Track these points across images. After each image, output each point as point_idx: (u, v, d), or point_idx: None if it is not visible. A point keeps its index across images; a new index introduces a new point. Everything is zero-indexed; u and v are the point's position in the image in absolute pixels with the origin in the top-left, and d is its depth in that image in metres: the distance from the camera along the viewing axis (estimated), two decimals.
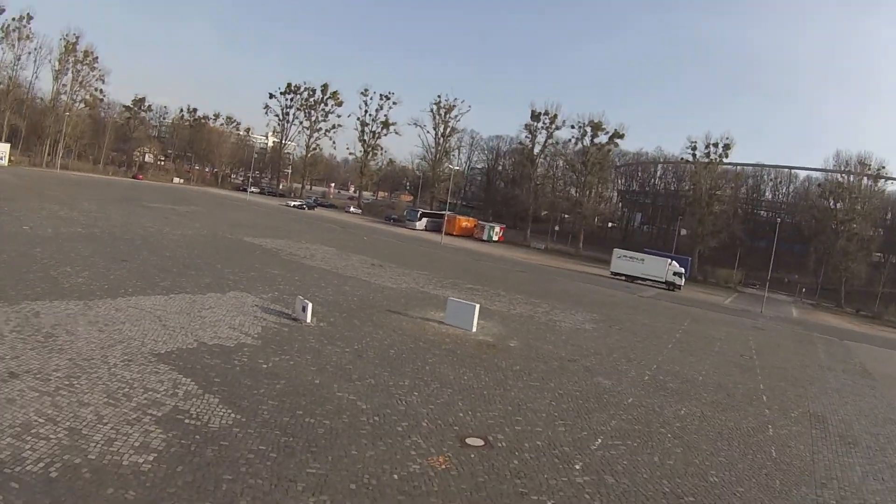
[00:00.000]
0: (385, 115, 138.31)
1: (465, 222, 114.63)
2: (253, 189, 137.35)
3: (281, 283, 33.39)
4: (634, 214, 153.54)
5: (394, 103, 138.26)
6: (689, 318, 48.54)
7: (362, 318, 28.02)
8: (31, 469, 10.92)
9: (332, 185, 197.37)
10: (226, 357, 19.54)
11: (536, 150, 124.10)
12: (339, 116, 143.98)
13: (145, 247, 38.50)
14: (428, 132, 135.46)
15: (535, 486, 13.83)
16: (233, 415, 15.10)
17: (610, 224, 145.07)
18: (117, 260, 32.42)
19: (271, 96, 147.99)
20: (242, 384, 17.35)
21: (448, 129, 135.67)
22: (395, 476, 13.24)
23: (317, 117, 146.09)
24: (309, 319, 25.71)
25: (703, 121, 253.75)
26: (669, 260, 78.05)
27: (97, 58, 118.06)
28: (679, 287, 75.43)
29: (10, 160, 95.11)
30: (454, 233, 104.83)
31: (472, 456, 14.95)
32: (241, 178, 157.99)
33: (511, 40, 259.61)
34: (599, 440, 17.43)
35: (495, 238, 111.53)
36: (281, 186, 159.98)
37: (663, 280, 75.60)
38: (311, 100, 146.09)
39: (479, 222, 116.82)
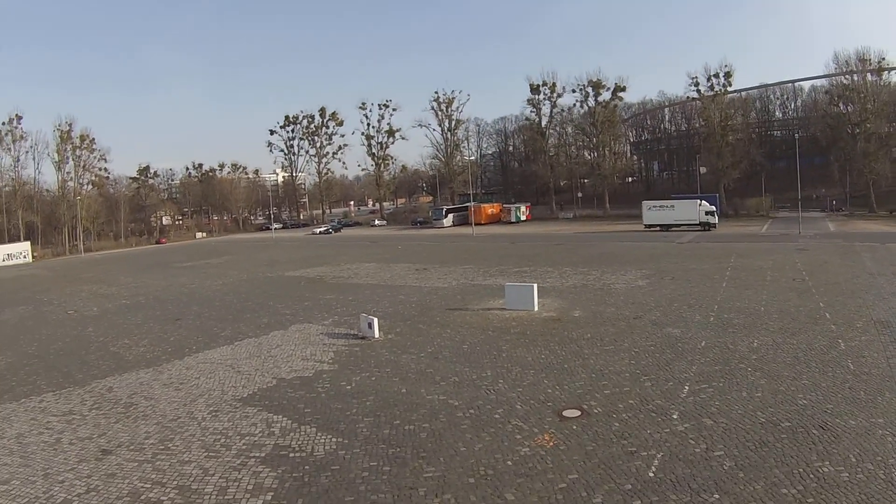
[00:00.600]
0: (388, 124, 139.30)
1: (491, 209, 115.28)
2: (275, 225, 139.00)
3: (337, 307, 34.47)
4: (651, 164, 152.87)
5: (394, 110, 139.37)
6: (734, 253, 48.75)
7: (427, 322, 28.98)
8: None
9: (352, 202, 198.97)
10: (308, 387, 20.36)
11: (544, 122, 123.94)
12: (342, 136, 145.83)
13: (193, 302, 39.80)
14: (434, 130, 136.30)
15: (641, 443, 14.55)
16: (334, 439, 15.79)
17: (630, 179, 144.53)
18: (171, 320, 33.68)
19: (272, 132, 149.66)
20: (333, 409, 18.12)
21: (453, 123, 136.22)
22: (509, 462, 13.97)
23: (321, 142, 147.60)
24: (377, 334, 26.55)
25: (697, 55, 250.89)
26: (699, 200, 77.89)
27: (94, 139, 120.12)
28: (714, 225, 75.32)
29: (33, 256, 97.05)
30: (482, 222, 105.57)
31: (574, 427, 15.75)
32: (262, 218, 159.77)
33: (489, 17, 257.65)
34: (687, 387, 18.12)
35: (523, 218, 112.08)
36: (301, 216, 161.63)
37: (697, 221, 75.50)
38: (312, 126, 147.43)
39: (504, 206, 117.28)
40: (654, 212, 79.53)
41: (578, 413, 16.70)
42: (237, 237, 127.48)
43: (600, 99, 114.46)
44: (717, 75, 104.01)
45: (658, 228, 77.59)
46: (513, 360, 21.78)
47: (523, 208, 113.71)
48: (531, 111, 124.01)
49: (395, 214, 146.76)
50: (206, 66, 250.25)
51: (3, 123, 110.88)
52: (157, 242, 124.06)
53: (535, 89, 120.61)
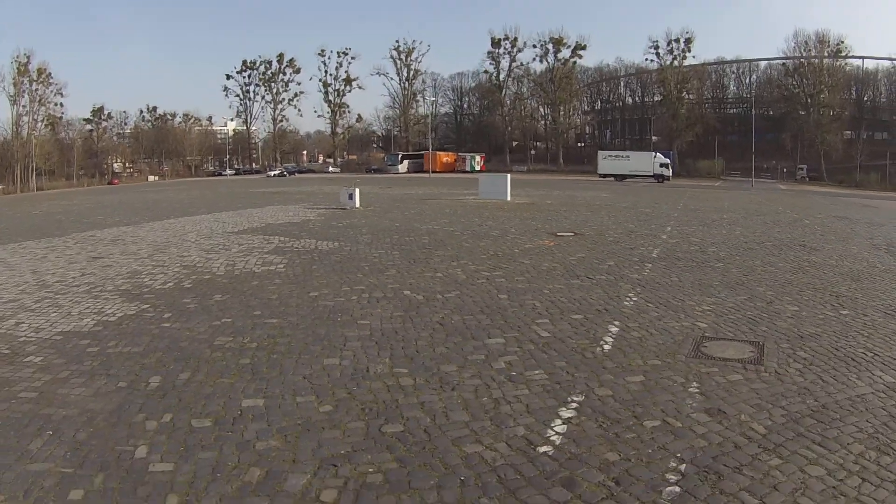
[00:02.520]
0: (346, 72, 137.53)
1: (446, 157, 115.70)
2: (228, 171, 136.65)
3: (310, 199, 34.67)
4: (604, 131, 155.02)
5: (352, 58, 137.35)
6: (687, 195, 50.32)
7: (404, 205, 29.51)
8: (161, 288, 11.00)
9: (304, 152, 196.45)
10: (299, 226, 20.56)
11: (502, 76, 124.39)
12: (299, 84, 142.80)
13: (164, 202, 39.10)
14: (392, 79, 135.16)
15: (636, 244, 15.81)
16: (336, 244, 16.19)
17: (581, 144, 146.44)
18: (142, 209, 33.05)
19: (228, 77, 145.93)
20: (329, 233, 18.42)
21: (412, 73, 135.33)
22: (517, 250, 14.86)
23: (277, 89, 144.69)
24: (357, 204, 26.85)
25: (657, 26, 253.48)
26: (654, 153, 79.84)
27: (50, 73, 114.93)
28: (668, 178, 77.46)
29: None
30: (437, 169, 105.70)
31: (570, 238, 16.73)
32: (214, 166, 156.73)
33: None
34: (669, 227, 19.42)
35: (477, 168, 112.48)
36: (254, 165, 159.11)
37: (651, 173, 77.48)
38: (269, 72, 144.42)
39: (460, 155, 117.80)
40: (609, 161, 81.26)
41: (572, 234, 17.58)
42: (190, 180, 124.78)
43: (560, 56, 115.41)
44: (677, 40, 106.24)
45: (612, 178, 79.23)
46: (497, 217, 22.57)
47: (478, 158, 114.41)
48: (490, 64, 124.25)
49: (348, 164, 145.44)
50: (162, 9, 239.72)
51: None
52: (110, 183, 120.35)
53: (496, 43, 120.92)
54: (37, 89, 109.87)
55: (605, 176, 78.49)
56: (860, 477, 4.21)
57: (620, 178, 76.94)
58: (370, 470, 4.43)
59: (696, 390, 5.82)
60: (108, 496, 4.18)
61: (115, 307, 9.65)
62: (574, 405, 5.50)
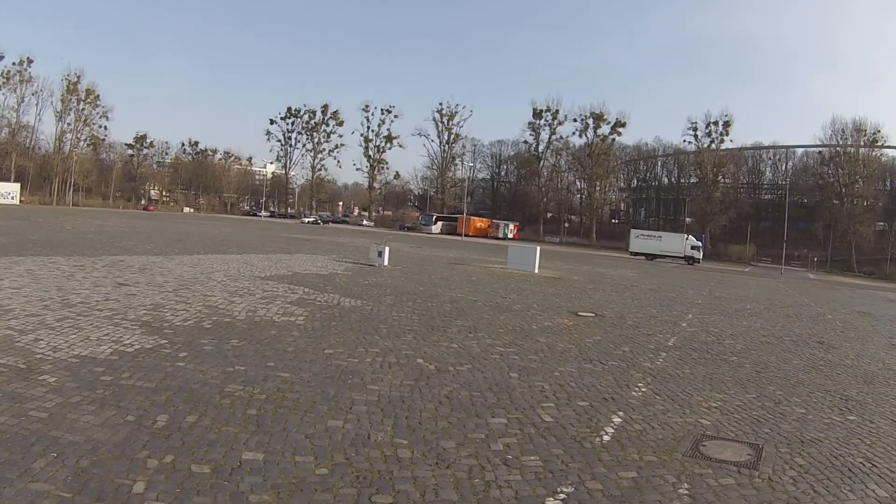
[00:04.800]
0: (388, 129, 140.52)
1: (480, 223, 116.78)
2: (263, 213, 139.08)
3: (340, 251, 35.25)
4: (639, 209, 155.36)
5: (395, 116, 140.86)
6: (714, 281, 50.23)
7: (431, 268, 29.87)
8: (181, 325, 11.31)
9: (340, 203, 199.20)
10: (325, 279, 21.01)
11: (541, 147, 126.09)
12: (340, 136, 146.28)
13: (200, 236, 40.06)
14: (432, 141, 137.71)
15: (654, 331, 15.87)
16: (359, 302, 16.50)
17: (615, 220, 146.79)
18: (173, 241, 33.97)
19: (272, 122, 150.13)
20: (353, 290, 18.79)
21: (452, 136, 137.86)
22: (535, 326, 15.02)
23: (319, 139, 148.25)
24: (386, 262, 27.32)
25: (698, 112, 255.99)
26: (686, 235, 79.73)
27: (98, 95, 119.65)
28: (698, 261, 77.06)
29: (20, 200, 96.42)
30: (470, 233, 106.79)
31: (590, 319, 16.86)
32: (249, 206, 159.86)
33: (506, 44, 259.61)
34: (690, 315, 19.28)
35: (510, 235, 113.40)
36: (289, 210, 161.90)
37: (682, 255, 77.20)
38: (312, 122, 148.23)
39: (493, 221, 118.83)
40: (641, 240, 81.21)
41: (593, 314, 17.72)
42: (224, 216, 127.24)
43: (599, 132, 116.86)
44: (716, 122, 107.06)
45: (643, 257, 79.02)
46: (521, 290, 22.81)
47: (512, 226, 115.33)
48: (530, 134, 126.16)
49: (382, 219, 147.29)
50: (210, 52, 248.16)
51: (14, 64, 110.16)
52: (145, 209, 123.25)
53: (537, 114, 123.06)
54: (83, 108, 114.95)
55: (635, 254, 78.37)
56: None
57: (651, 257, 76.80)
58: None
59: (686, 492, 5.92)
60: None
61: (133, 338, 10.05)
62: (562, 496, 5.63)
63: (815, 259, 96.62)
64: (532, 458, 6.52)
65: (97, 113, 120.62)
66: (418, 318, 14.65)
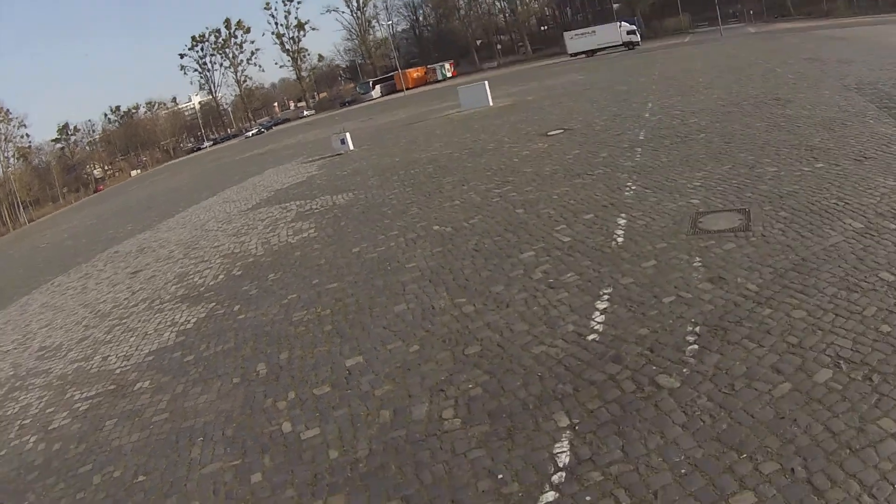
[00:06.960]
0: (296, 18, 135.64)
1: (416, 73, 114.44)
2: (206, 143, 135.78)
3: (301, 151, 35.36)
4: (565, 10, 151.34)
5: (299, 2, 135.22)
6: (659, 61, 50.32)
7: (393, 135, 30.53)
8: (214, 283, 11.80)
9: (275, 104, 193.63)
10: (307, 185, 21.20)
11: None
12: (253, 42, 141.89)
13: (161, 191, 39.54)
14: (343, 12, 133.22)
15: (626, 128, 16.64)
16: (351, 194, 17.11)
17: (543, 28, 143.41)
18: (143, 209, 33.51)
19: (182, 56, 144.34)
20: (339, 185, 19.20)
21: (361, 2, 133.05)
22: (515, 159, 15.97)
23: (233, 53, 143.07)
24: (351, 147, 27.55)
25: None
26: (619, 23, 78.93)
27: (8, 110, 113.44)
28: (637, 44, 76.69)
29: None
30: (410, 86, 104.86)
31: (561, 135, 17.78)
32: (191, 143, 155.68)
33: None
34: (650, 104, 20.17)
35: (449, 75, 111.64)
36: (229, 131, 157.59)
37: (620, 42, 76.84)
38: (220, 40, 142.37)
39: (429, 67, 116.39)
40: (576, 40, 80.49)
41: (561, 131, 18.67)
42: (171, 163, 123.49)
43: None
44: None
45: (584, 56, 78.62)
46: (486, 127, 23.40)
47: (447, 66, 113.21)
48: None
49: (320, 104, 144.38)
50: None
51: None
52: (95, 191, 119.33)
53: None
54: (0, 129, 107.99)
55: (576, 54, 77.86)
56: (834, 313, 5.49)
57: (591, 53, 76.50)
58: (469, 386, 5.77)
59: (700, 264, 7.14)
60: (281, 468, 5.34)
61: (184, 315, 10.46)
62: (606, 297, 6.85)
63: (752, 12, 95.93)
64: (569, 275, 7.69)
65: (13, 125, 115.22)
66: (411, 189, 15.53)
